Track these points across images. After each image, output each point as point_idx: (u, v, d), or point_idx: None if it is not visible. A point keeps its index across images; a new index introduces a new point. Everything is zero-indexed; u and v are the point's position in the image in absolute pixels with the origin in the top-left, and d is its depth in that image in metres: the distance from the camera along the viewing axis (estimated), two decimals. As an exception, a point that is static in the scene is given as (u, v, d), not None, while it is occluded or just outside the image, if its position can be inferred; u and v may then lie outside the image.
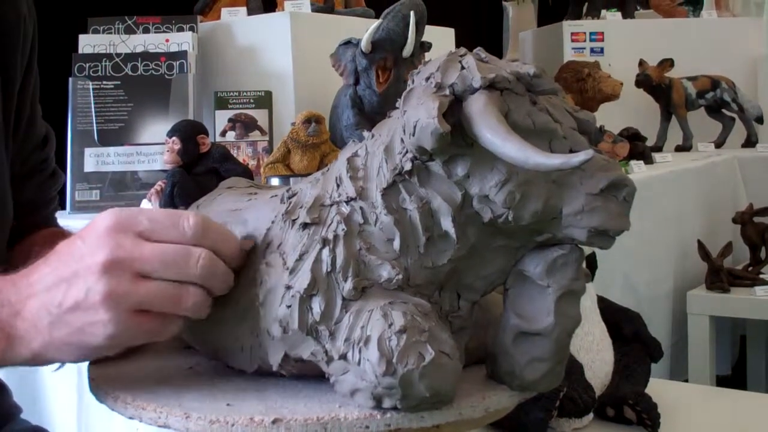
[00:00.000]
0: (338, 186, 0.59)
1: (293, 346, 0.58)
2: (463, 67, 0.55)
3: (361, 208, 0.58)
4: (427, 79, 0.56)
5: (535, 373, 0.58)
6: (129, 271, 0.57)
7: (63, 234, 1.01)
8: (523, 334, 0.57)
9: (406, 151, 0.57)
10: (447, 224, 0.56)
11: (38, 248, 0.94)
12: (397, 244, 0.56)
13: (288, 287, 0.57)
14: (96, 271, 0.57)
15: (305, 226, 0.59)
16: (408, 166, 0.57)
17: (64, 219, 1.68)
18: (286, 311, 0.57)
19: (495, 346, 0.59)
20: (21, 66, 0.91)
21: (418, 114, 0.54)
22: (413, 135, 0.54)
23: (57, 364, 0.64)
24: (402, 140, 0.57)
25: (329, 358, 0.56)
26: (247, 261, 0.62)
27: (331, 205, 0.59)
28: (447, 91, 0.55)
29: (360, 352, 0.54)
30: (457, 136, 0.54)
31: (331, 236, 0.57)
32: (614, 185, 0.55)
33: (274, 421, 0.54)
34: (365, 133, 0.62)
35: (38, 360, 0.61)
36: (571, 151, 0.54)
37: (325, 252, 0.57)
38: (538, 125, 0.55)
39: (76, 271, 0.58)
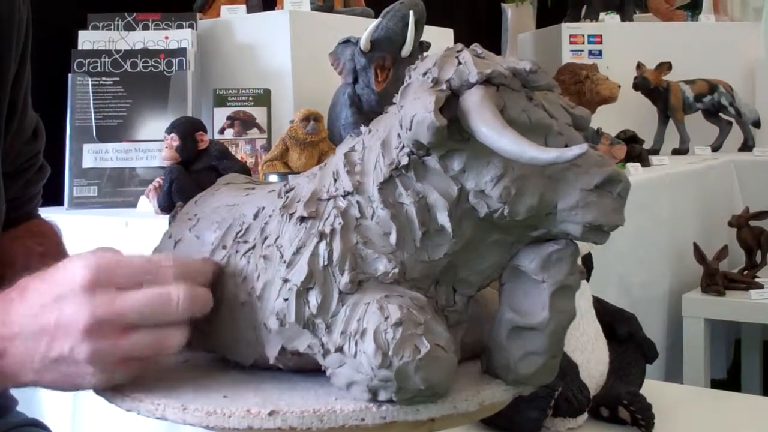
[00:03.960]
0: (335, 180, 0.60)
1: (290, 339, 0.58)
2: (459, 63, 0.56)
3: (357, 202, 0.58)
4: (424, 74, 0.56)
5: (530, 367, 0.58)
6: (111, 329, 0.57)
7: (45, 226, 1.01)
8: (518, 328, 0.57)
9: (403, 146, 0.57)
10: (443, 219, 0.56)
11: (28, 242, 0.93)
12: (393, 238, 0.57)
13: (285, 280, 0.57)
14: (78, 331, 0.57)
15: (302, 219, 0.59)
16: (405, 161, 0.57)
17: (62, 215, 1.68)
18: (283, 304, 0.57)
19: (490, 341, 0.59)
20: (15, 57, 0.90)
21: (414, 108, 0.54)
22: (410, 129, 0.54)
23: None
24: (399, 135, 0.57)
25: (325, 350, 0.56)
26: (242, 256, 0.62)
27: (328, 199, 0.59)
28: (444, 86, 0.55)
29: (356, 344, 0.54)
30: (453, 130, 0.55)
31: (327, 230, 0.57)
32: (609, 181, 0.55)
33: (270, 413, 0.55)
34: (362, 128, 0.62)
35: (32, 386, 0.62)
36: (566, 147, 0.55)
37: (322, 245, 0.57)
38: (533, 121, 0.55)
39: (58, 323, 0.58)
